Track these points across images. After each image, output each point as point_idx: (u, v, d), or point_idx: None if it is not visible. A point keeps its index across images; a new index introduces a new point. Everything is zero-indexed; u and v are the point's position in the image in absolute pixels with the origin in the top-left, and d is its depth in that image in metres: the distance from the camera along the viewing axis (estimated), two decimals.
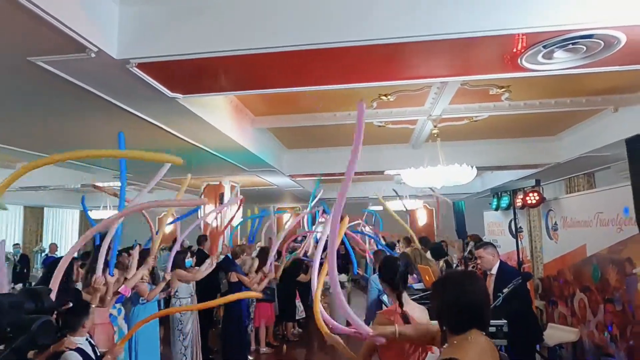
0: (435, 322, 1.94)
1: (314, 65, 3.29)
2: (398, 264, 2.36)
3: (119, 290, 3.69)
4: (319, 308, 2.17)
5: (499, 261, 3.90)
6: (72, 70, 3.08)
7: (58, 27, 2.41)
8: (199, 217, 8.70)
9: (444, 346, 1.67)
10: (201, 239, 6.87)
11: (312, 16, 2.88)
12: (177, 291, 4.95)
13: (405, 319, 2.17)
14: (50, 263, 3.95)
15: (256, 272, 5.86)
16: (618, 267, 4.00)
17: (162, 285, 4.57)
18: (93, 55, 2.76)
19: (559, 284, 5.12)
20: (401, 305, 2.22)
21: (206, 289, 5.75)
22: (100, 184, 8.15)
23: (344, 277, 8.42)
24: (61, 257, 3.81)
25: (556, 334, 4.65)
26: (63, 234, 13.60)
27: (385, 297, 4.19)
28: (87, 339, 2.89)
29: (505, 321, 3.29)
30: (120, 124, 4.44)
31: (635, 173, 2.73)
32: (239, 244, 6.87)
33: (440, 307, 1.68)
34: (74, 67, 3.01)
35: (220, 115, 4.78)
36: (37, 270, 10.74)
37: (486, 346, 1.58)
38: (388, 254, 5.90)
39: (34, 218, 12.46)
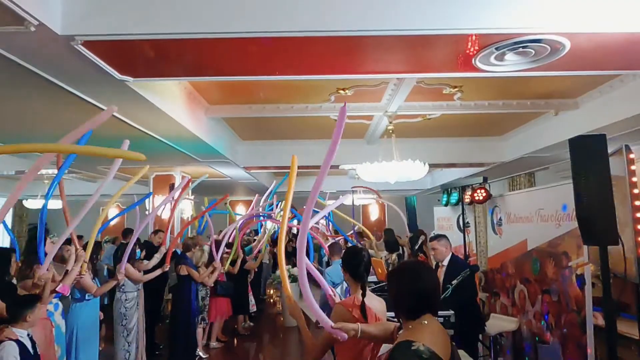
0: (391, 314, 1.98)
1: (272, 54, 3.23)
2: (363, 254, 2.39)
3: (57, 289, 3.47)
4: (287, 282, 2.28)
5: (451, 253, 4.05)
6: (9, 45, 2.81)
7: None
8: (147, 209, 8.37)
9: (400, 332, 1.76)
10: (155, 232, 6.62)
11: (268, 4, 2.82)
12: (123, 285, 4.73)
13: (364, 310, 2.18)
14: None
15: (206, 266, 5.72)
16: (555, 260, 4.27)
17: (112, 284, 4.43)
18: (33, 29, 2.54)
19: (501, 277, 5.40)
20: (363, 295, 2.23)
21: (154, 283, 5.53)
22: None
23: (295, 270, 8.41)
24: None
25: (498, 323, 4.90)
26: None
27: (338, 290, 4.23)
28: (28, 334, 2.75)
29: (453, 312, 3.43)
30: (64, 106, 4.15)
31: (576, 171, 2.91)
32: (190, 236, 6.65)
33: (397, 294, 1.77)
34: (12, 41, 2.75)
35: (172, 101, 4.58)
36: None
37: (439, 329, 1.70)
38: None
39: None
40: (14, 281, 3.60)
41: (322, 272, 6.02)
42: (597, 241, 2.89)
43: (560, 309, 4.20)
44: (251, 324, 7.69)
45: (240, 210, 13.73)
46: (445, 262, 4.01)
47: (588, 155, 2.85)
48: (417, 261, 2.25)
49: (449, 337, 1.72)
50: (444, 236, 4.23)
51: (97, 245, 4.18)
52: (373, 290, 4.28)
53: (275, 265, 10.03)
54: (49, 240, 4.78)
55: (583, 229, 2.92)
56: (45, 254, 3.38)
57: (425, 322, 1.67)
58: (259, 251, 7.38)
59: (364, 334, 2.00)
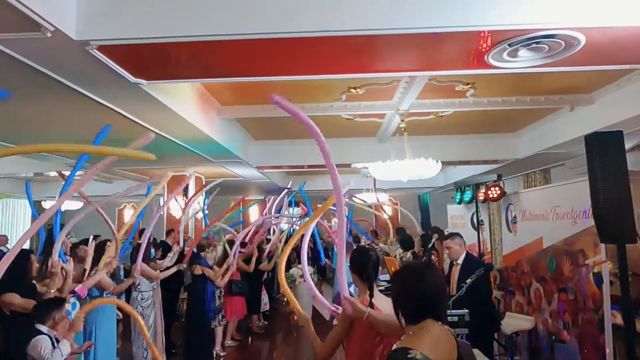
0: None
1: (283, 55, 3.25)
2: (370, 254, 2.38)
3: (75, 290, 3.53)
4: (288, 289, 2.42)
5: (465, 252, 4.02)
6: (25, 51, 2.88)
7: (7, 0, 2.23)
8: (159, 206, 8.50)
9: (402, 337, 1.68)
10: (168, 232, 6.72)
11: (279, 5, 2.83)
12: (138, 284, 4.81)
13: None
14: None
15: (219, 265, 5.78)
16: (572, 259, 4.20)
17: (129, 282, 4.49)
18: (49, 35, 2.59)
19: (516, 275, 5.34)
20: (371, 295, 2.23)
21: (169, 282, 5.61)
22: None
23: (310, 269, 8.44)
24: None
25: (513, 322, 4.85)
26: (14, 225, 12.86)
27: (352, 288, 4.23)
28: (55, 337, 2.82)
29: (467, 310, 3.41)
30: (79, 109, 4.23)
31: (592, 168, 2.86)
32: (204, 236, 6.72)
33: (397, 296, 1.72)
34: (28, 47, 2.81)
35: (185, 103, 4.63)
36: None
37: (442, 335, 1.60)
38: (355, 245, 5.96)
39: None
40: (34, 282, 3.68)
41: (334, 271, 6.05)
42: (615, 239, 2.84)
43: (577, 307, 4.14)
44: (265, 322, 7.74)
45: (253, 209, 13.79)
46: (460, 261, 3.98)
47: (604, 152, 2.80)
48: (422, 262, 2.20)
49: (456, 343, 1.64)
50: (458, 234, 4.20)
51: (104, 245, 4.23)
52: (386, 289, 4.28)
53: (288, 263, 10.07)
54: (66, 239, 4.87)
55: (600, 227, 2.88)
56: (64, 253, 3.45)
57: (426, 327, 1.58)
58: (270, 252, 7.41)
59: (370, 319, 2.01)
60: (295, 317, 7.92)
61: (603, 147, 2.81)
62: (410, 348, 1.51)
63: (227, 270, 5.62)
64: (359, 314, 2.00)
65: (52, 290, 3.20)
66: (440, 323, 1.63)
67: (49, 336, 2.75)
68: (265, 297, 7.64)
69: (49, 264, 3.28)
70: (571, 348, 4.22)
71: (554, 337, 4.51)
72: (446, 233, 8.26)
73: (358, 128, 6.85)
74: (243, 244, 6.84)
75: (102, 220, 3.60)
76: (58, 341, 2.84)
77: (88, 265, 3.82)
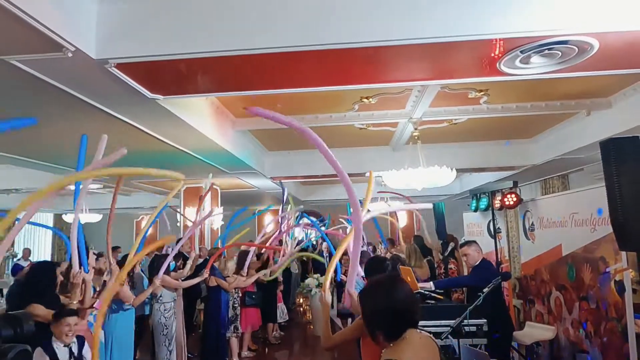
0: None
1: (295, 67, 3.30)
2: (386, 264, 2.38)
3: (95, 305, 3.59)
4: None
5: (482, 258, 4.02)
6: (48, 70, 3.00)
7: (32, 24, 2.33)
8: (178, 221, 8.61)
9: (383, 350, 1.66)
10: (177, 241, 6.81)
11: (291, 19, 2.88)
12: (160, 295, 4.85)
13: None
14: (33, 268, 3.78)
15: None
16: (592, 266, 4.12)
17: (150, 291, 4.53)
18: (70, 54, 2.69)
19: (535, 283, 5.24)
20: None
21: (187, 293, 5.67)
22: None
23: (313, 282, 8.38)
24: (42, 262, 3.72)
25: (533, 332, 4.75)
26: (36, 238, 13.18)
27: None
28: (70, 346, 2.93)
29: (485, 320, 3.36)
30: (98, 125, 4.33)
31: (608, 174, 2.82)
32: (216, 247, 6.79)
33: (372, 315, 1.67)
34: (50, 67, 2.93)
35: (200, 116, 4.72)
36: (7, 277, 10.36)
37: (422, 343, 1.63)
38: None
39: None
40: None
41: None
42: (634, 246, 2.79)
43: (599, 316, 4.05)
44: (281, 333, 7.73)
45: (268, 219, 13.85)
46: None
47: (621, 158, 2.76)
48: (388, 276, 2.23)
49: (437, 349, 1.65)
50: (474, 241, 4.21)
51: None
52: None
53: (303, 274, 10.06)
54: (91, 252, 4.97)
55: (619, 234, 2.83)
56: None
57: (406, 337, 1.59)
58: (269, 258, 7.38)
59: None
60: (312, 327, 7.87)
61: (619, 153, 2.77)
62: (392, 359, 1.55)
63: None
64: (356, 308, 2.03)
65: (75, 302, 3.26)
66: (419, 331, 1.65)
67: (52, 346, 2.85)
68: (284, 308, 7.64)
69: (70, 275, 3.35)
70: (594, 358, 4.12)
71: (576, 347, 4.41)
72: (461, 241, 8.17)
73: (371, 137, 6.86)
74: (258, 255, 6.88)
75: (121, 231, 3.69)
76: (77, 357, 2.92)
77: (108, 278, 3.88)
